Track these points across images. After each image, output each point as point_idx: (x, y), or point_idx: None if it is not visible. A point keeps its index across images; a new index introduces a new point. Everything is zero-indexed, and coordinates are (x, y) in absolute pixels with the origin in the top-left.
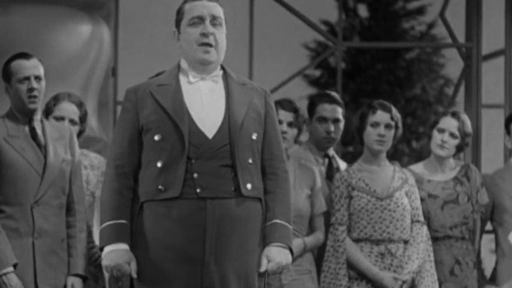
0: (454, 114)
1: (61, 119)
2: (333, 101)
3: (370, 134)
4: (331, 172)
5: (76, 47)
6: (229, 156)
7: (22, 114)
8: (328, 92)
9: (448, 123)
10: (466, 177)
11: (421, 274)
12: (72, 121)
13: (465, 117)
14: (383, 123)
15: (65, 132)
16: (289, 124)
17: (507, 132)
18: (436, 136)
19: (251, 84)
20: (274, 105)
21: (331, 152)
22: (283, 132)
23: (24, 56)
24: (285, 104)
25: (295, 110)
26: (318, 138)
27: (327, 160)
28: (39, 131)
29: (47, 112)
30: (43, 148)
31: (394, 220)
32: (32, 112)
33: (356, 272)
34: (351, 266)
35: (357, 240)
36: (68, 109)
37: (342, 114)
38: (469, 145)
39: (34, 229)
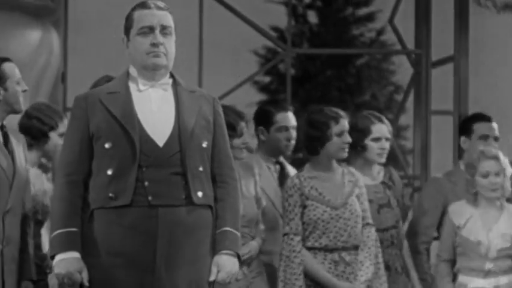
0: (380, 119)
1: (62, 135)
2: (289, 108)
3: (335, 143)
4: (282, 178)
5: (25, 53)
6: (180, 164)
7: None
8: (278, 99)
9: (382, 130)
10: (392, 181)
11: (379, 280)
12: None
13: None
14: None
15: (20, 138)
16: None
17: (464, 133)
18: (374, 145)
19: (200, 92)
20: (235, 117)
21: (281, 158)
22: (247, 144)
23: (9, 59)
24: (243, 116)
25: (246, 121)
26: (278, 146)
27: (278, 166)
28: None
29: (51, 128)
30: (11, 154)
31: (349, 228)
32: (18, 113)
33: (311, 281)
34: (307, 276)
35: (310, 249)
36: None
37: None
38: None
39: (4, 237)
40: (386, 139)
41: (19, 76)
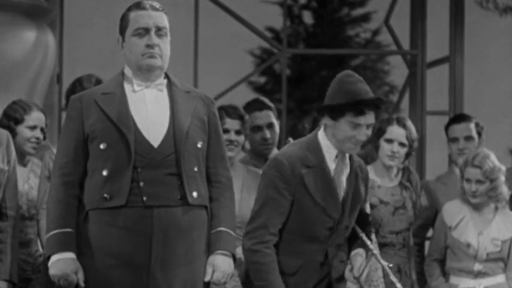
0: (399, 122)
1: (34, 127)
2: (263, 107)
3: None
4: None
5: (21, 53)
6: (175, 164)
7: None
8: (257, 98)
9: (396, 133)
10: (409, 182)
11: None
12: (42, 129)
13: (410, 123)
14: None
15: (3, 138)
16: (237, 132)
17: (447, 137)
18: (385, 147)
19: (195, 92)
20: (220, 111)
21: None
22: (231, 141)
23: None
24: (230, 112)
25: (241, 117)
26: (255, 146)
27: None
28: None
29: (16, 121)
30: None
31: None
32: None
33: None
34: None
35: None
36: (41, 118)
37: (275, 117)
38: (416, 149)
39: None
40: (401, 143)
41: None
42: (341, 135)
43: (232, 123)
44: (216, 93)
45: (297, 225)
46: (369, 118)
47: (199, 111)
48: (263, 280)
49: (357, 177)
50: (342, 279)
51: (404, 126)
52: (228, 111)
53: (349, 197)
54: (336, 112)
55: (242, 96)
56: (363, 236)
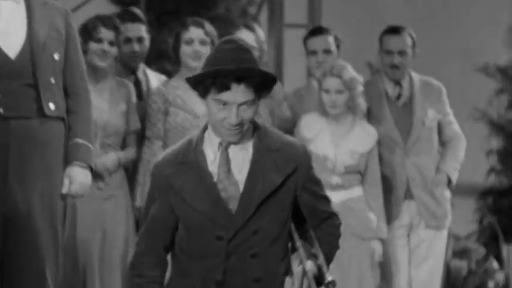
0: (248, 26)
1: None
2: (135, 19)
3: (185, 52)
4: (137, 90)
5: None
6: (32, 76)
7: None
8: (129, 9)
9: (246, 37)
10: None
11: None
12: None
13: (257, 27)
14: (197, 39)
15: None
16: (110, 43)
17: (305, 50)
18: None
19: (52, 4)
20: (95, 20)
21: (141, 69)
22: (104, 52)
23: None
24: (106, 22)
25: (116, 28)
26: (123, 58)
27: (133, 77)
28: None
29: None
30: None
31: None
32: None
33: None
34: None
35: None
36: None
37: (146, 31)
38: (265, 51)
39: None
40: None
41: None
42: (212, 118)
43: (106, 34)
44: (73, 5)
45: (184, 240)
46: (239, 95)
47: (57, 23)
48: None
49: (264, 165)
50: None
51: (253, 29)
52: (103, 21)
53: (250, 191)
54: (200, 88)
55: (100, 8)
56: (298, 242)
